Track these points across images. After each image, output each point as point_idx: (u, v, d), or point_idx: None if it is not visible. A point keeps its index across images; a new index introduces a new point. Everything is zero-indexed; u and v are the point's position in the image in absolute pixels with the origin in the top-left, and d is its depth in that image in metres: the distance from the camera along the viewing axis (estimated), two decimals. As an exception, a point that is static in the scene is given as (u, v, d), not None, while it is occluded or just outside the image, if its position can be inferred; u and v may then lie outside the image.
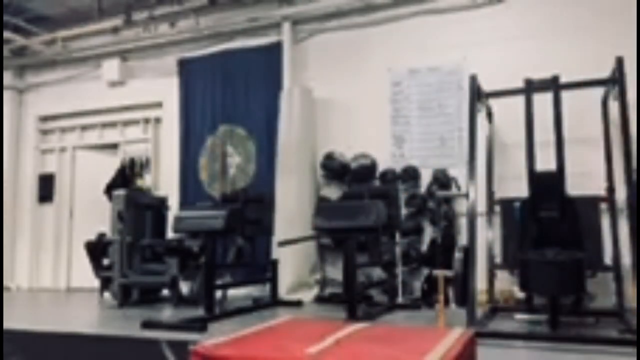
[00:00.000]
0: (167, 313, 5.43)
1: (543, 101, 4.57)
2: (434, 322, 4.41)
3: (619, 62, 4.46)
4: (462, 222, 5.63)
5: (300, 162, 6.35)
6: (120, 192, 6.28)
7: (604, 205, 5.06)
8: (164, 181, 7.56)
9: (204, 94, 7.33)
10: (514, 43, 5.85)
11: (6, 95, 8.55)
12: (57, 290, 8.00)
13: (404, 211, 5.94)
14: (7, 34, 7.90)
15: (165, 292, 6.27)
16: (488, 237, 5.35)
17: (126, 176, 7.73)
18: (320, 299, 6.06)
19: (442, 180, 5.91)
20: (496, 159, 5.66)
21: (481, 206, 5.24)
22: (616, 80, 4.44)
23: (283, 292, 6.03)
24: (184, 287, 5.91)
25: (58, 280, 8.14)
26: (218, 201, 6.61)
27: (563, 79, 4.55)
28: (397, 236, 5.77)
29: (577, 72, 4.70)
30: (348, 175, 6.31)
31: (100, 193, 7.50)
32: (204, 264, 5.39)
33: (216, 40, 7.35)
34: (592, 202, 5.00)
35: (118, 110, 8.02)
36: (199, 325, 4.31)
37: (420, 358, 1.84)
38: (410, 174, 6.09)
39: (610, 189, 5.03)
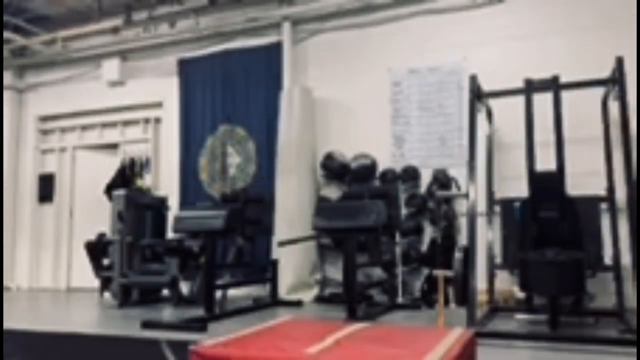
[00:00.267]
0: (167, 313, 5.43)
1: (543, 101, 4.57)
2: (434, 322, 4.41)
3: (619, 62, 4.46)
4: (462, 222, 5.63)
5: (300, 162, 6.35)
6: (120, 192, 6.28)
7: (604, 205, 5.06)
8: (164, 181, 7.56)
9: (204, 94, 7.33)
10: (514, 43, 5.85)
11: (6, 95, 8.55)
12: (57, 290, 8.00)
13: (404, 211, 5.94)
14: (7, 34, 7.90)
15: (165, 292, 6.27)
16: (488, 237, 5.35)
17: (126, 176, 7.73)
18: (320, 299, 6.06)
19: (442, 180, 5.91)
20: (496, 159, 5.66)
21: (481, 206, 5.24)
22: (616, 80, 4.44)
23: (283, 292, 6.03)
24: (184, 287, 5.90)
25: (58, 280, 8.14)
26: (218, 201, 6.61)
27: (563, 79, 4.55)
28: (397, 236, 5.77)
29: (577, 72, 4.70)
30: (348, 175, 6.31)
31: (100, 193, 7.51)
32: (204, 264, 5.39)
33: (216, 40, 7.35)
34: (592, 202, 5.00)
35: (118, 110, 8.02)
36: (199, 325, 4.31)
37: (420, 358, 1.84)
38: (410, 174, 6.09)
39: (610, 189, 5.03)
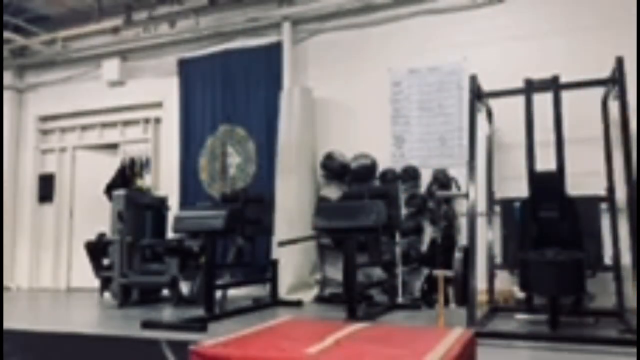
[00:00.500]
0: (167, 313, 5.43)
1: (543, 101, 4.56)
2: (434, 322, 4.41)
3: (619, 62, 4.46)
4: (462, 222, 5.63)
5: (300, 162, 6.35)
6: (120, 192, 6.28)
7: (604, 205, 5.06)
8: (164, 181, 7.56)
9: (204, 94, 7.33)
10: (514, 43, 5.85)
11: (6, 95, 8.55)
12: (57, 290, 8.00)
13: (404, 211, 5.94)
14: (7, 34, 7.89)
15: (165, 292, 6.27)
16: (488, 237, 5.35)
17: (126, 176, 7.73)
18: (320, 299, 6.06)
19: (442, 180, 5.91)
20: (496, 159, 5.66)
21: (481, 206, 5.24)
22: (616, 80, 4.44)
23: (283, 292, 6.03)
24: (184, 287, 5.90)
25: (58, 280, 8.14)
26: (218, 201, 6.61)
27: (563, 79, 4.55)
28: (397, 236, 5.77)
29: (577, 72, 4.70)
30: (348, 175, 6.31)
31: (100, 193, 7.51)
32: (204, 264, 5.39)
33: (216, 40, 7.35)
34: (592, 202, 5.00)
35: (118, 110, 8.02)
36: (199, 325, 4.31)
37: (420, 358, 1.84)
38: (410, 174, 6.09)
39: (610, 189, 5.03)
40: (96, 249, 6.28)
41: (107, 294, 6.20)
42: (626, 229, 4.39)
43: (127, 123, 8.05)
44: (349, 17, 6.71)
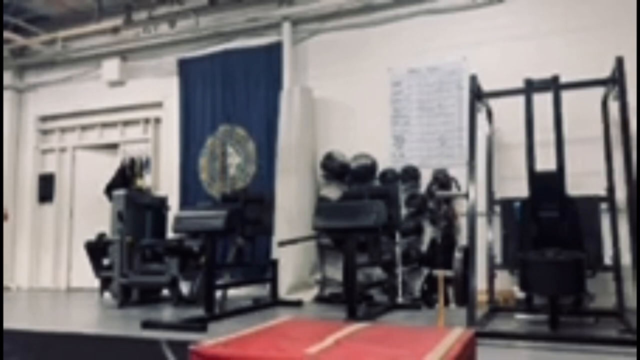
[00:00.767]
0: (167, 313, 5.43)
1: (543, 101, 4.56)
2: (434, 322, 4.41)
3: (619, 62, 4.45)
4: (462, 222, 5.63)
5: (300, 162, 6.35)
6: (120, 192, 6.28)
7: (604, 205, 5.06)
8: (164, 181, 7.56)
9: (204, 94, 7.33)
10: (514, 43, 5.85)
11: (6, 95, 8.55)
12: (57, 290, 7.99)
13: (404, 211, 5.94)
14: (7, 34, 7.90)
15: (165, 292, 6.27)
16: (488, 237, 5.34)
17: (126, 176, 7.73)
18: (320, 299, 6.06)
19: (442, 180, 5.91)
20: (496, 159, 5.66)
21: (481, 206, 5.24)
22: (616, 80, 4.44)
23: (283, 292, 6.03)
24: (184, 287, 5.90)
25: (58, 280, 8.14)
26: (218, 201, 6.61)
27: (563, 79, 4.55)
28: (397, 236, 5.77)
29: (577, 72, 4.70)
30: (348, 175, 6.30)
31: (100, 193, 7.51)
32: (204, 264, 5.39)
33: (216, 40, 7.35)
34: (592, 202, 5.00)
35: (118, 110, 8.03)
36: (199, 325, 4.31)
37: (420, 358, 1.84)
38: (410, 174, 6.09)
39: (610, 189, 5.03)
40: (96, 249, 6.28)
41: (107, 294, 6.20)
42: (626, 229, 4.38)
43: (127, 123, 8.05)
44: (349, 17, 6.71)
